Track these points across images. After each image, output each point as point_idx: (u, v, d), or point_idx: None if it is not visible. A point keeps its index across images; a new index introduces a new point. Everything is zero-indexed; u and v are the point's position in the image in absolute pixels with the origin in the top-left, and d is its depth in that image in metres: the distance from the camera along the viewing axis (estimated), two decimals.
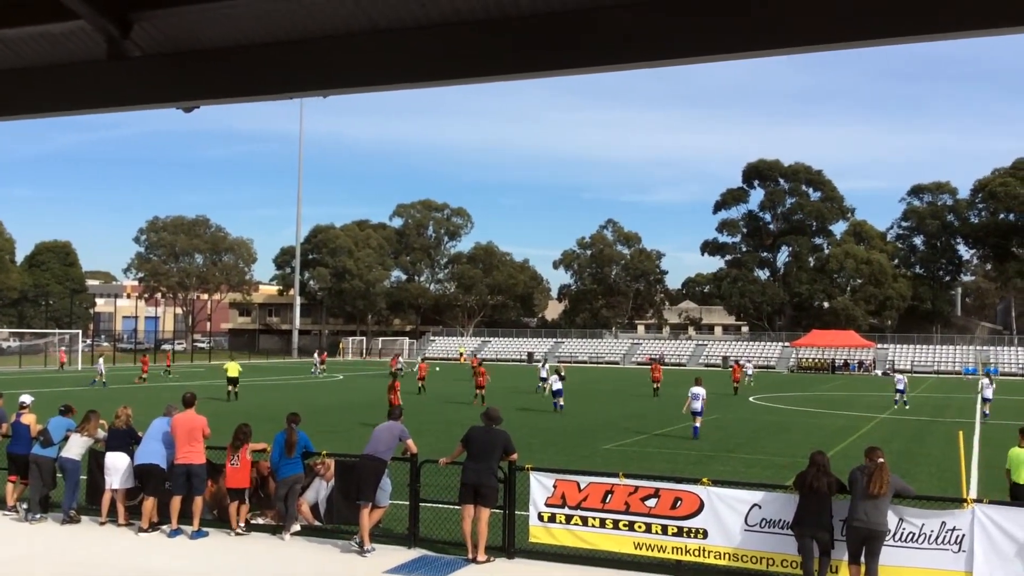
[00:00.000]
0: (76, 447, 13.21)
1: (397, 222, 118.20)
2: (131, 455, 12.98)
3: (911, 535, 9.85)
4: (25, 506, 13.45)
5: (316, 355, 66.74)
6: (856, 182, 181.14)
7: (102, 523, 12.88)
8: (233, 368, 39.69)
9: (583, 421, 30.73)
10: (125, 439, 13.09)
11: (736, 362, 55.31)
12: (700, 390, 25.98)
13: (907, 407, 38.22)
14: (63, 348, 69.85)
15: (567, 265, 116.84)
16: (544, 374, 44.98)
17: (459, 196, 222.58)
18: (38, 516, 13.17)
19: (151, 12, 6.88)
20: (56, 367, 66.84)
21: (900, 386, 39.73)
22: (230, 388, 38.83)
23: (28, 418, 14.02)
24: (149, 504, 12.59)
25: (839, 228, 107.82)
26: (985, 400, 34.59)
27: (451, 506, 12.06)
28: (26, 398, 14.44)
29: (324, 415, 30.43)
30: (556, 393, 35.16)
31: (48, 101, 8.21)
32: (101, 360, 51.55)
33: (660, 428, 28.39)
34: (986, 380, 36.33)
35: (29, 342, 77.46)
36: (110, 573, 10.67)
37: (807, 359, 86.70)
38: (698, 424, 25.82)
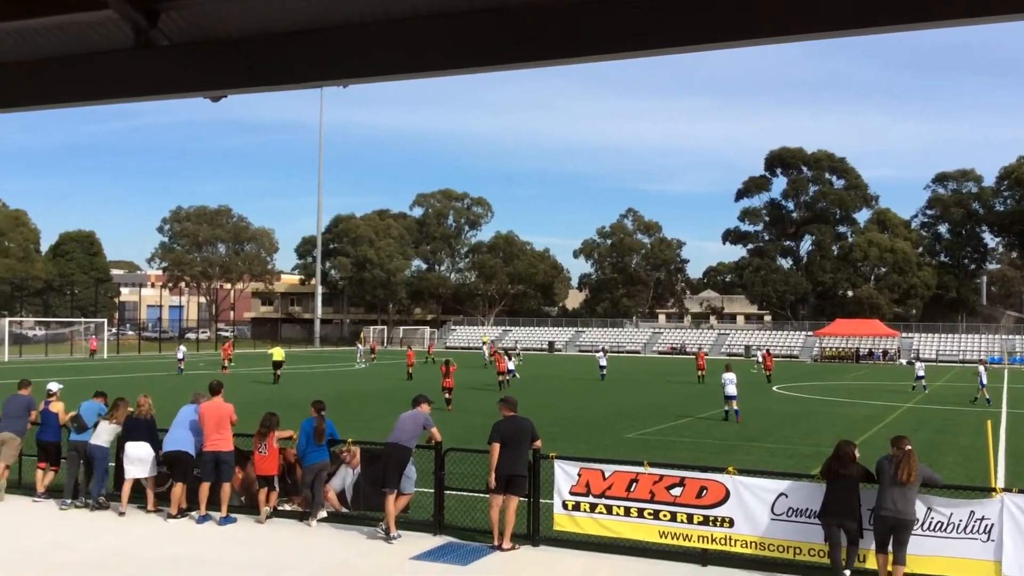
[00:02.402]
0: (105, 434, 13.34)
1: (417, 212, 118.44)
2: (153, 444, 13.07)
3: (939, 524, 9.78)
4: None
5: (360, 344, 68.42)
6: (880, 170, 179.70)
7: (121, 513, 12.88)
8: (278, 353, 43.06)
9: (604, 410, 30.72)
10: (145, 428, 13.17)
11: (767, 351, 55.82)
12: (731, 375, 27.76)
13: (926, 391, 40.50)
14: (94, 336, 70.59)
15: (587, 254, 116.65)
16: (603, 362, 48.96)
17: (479, 186, 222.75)
18: (68, 502, 13.31)
19: (178, 1, 6.89)
20: (84, 355, 67.55)
21: (920, 372, 42.02)
22: (276, 372, 41.67)
23: (56, 406, 14.18)
24: (178, 490, 12.70)
25: (863, 216, 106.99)
26: (982, 386, 36.16)
27: (476, 494, 12.11)
28: (53, 386, 14.58)
29: (348, 403, 30.57)
30: (509, 371, 40.88)
31: (75, 91, 8.24)
32: (183, 348, 53.45)
33: (681, 418, 28.34)
34: (982, 368, 38.25)
35: (55, 331, 78.15)
36: (139, 559, 10.78)
37: (831, 348, 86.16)
38: (736, 407, 27.29)
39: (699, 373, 46.55)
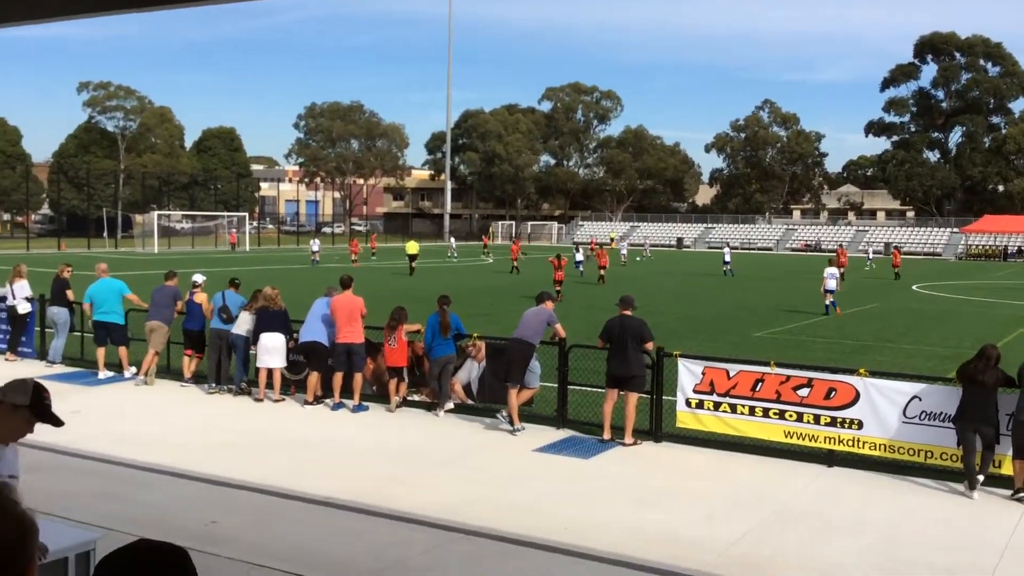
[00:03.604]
0: (244, 324, 13.93)
1: (546, 106, 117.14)
2: (287, 334, 13.57)
3: None
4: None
5: (452, 239, 71.64)
6: None
7: (259, 399, 13.49)
8: (412, 247, 45.99)
9: (732, 308, 30.29)
10: (280, 319, 13.54)
11: (896, 248, 54.55)
12: (833, 270, 28.79)
13: None
14: (233, 230, 73.64)
15: (719, 148, 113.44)
16: (728, 257, 49.39)
17: (609, 79, 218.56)
18: (213, 386, 14.09)
19: None
20: (227, 248, 70.70)
21: None
22: (411, 264, 44.53)
23: (200, 296, 14.90)
24: (313, 379, 13.28)
25: (1019, 106, 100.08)
26: None
27: (599, 389, 12.20)
28: (198, 277, 15.30)
29: (476, 297, 31.08)
30: (578, 263, 43.29)
31: None
32: (317, 241, 56.32)
33: (814, 316, 27.68)
34: None
35: (200, 224, 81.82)
36: (279, 439, 11.39)
37: (977, 246, 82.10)
38: (834, 300, 28.22)
39: (840, 270, 45.25)
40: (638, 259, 64.00)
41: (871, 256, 60.18)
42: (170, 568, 1.94)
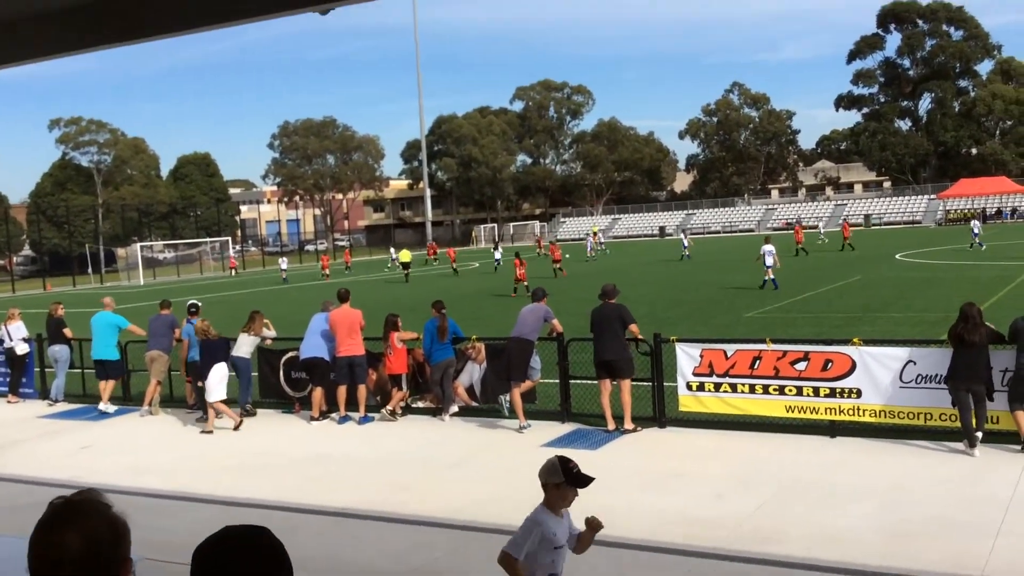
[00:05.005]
0: (245, 346, 14.04)
1: (518, 106, 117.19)
2: (228, 362, 13.47)
3: None
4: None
5: (392, 250, 66.68)
6: (1002, 16, 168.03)
7: (207, 432, 12.99)
8: (405, 255, 48.25)
9: (720, 291, 30.53)
10: (223, 349, 13.47)
11: (845, 220, 57.25)
12: (770, 247, 30.23)
13: (983, 248, 42.80)
14: (231, 255, 73.77)
15: (693, 134, 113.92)
16: (687, 243, 52.61)
17: (578, 73, 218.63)
18: (204, 415, 13.79)
19: None
20: (213, 274, 70.48)
21: (976, 230, 45.41)
22: (405, 272, 46.50)
23: (199, 323, 14.94)
24: (317, 394, 13.39)
25: (985, 68, 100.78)
26: (975, 234, 44.62)
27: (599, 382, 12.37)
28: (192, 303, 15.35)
29: (465, 302, 31.19)
30: (497, 261, 47.10)
31: (193, 18, 8.50)
32: (284, 259, 59.42)
33: (800, 293, 27.96)
34: (976, 222, 46.23)
35: (183, 252, 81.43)
36: (289, 457, 11.50)
37: (955, 211, 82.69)
38: (773, 276, 29.70)
39: (798, 246, 46.32)
40: (596, 252, 64.11)
41: (822, 231, 61.97)
42: (263, 545, 2.09)
